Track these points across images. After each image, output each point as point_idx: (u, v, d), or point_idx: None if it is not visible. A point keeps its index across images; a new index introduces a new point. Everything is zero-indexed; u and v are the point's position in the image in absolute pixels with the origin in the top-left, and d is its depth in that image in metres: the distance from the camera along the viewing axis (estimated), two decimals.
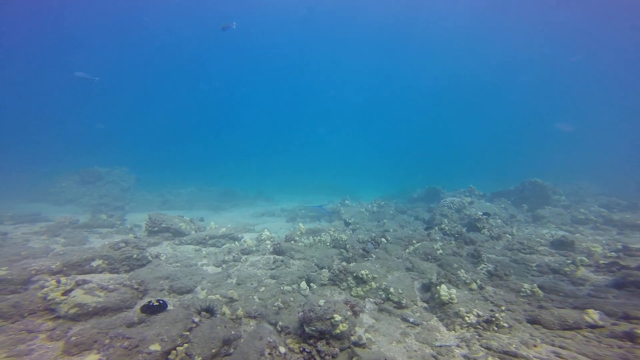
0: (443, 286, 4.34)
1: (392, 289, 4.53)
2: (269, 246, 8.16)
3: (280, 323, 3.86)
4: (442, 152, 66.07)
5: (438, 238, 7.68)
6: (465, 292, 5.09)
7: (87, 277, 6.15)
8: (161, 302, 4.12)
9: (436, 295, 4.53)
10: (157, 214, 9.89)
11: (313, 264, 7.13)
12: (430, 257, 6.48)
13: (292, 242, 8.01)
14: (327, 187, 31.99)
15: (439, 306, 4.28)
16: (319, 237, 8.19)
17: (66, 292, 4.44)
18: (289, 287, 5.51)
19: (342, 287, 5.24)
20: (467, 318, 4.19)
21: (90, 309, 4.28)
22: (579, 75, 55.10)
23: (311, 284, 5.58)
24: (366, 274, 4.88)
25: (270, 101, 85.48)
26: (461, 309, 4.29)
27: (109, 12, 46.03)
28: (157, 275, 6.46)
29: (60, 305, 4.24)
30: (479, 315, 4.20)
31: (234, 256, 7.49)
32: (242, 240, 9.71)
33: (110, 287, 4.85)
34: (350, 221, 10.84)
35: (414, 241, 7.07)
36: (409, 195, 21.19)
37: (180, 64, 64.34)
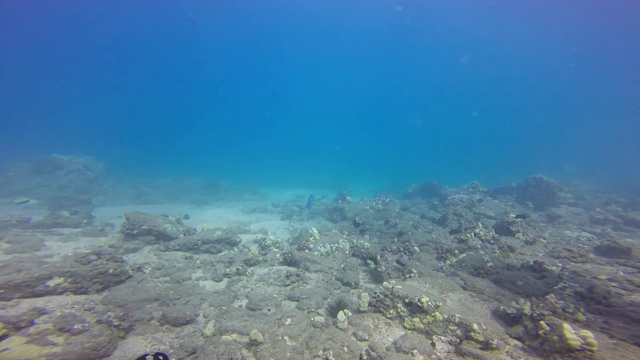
0: (566, 325, 3.23)
1: (475, 325, 3.54)
2: (277, 255, 6.93)
3: None
4: (429, 147, 67.47)
5: (479, 246, 6.86)
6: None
7: (40, 301, 4.58)
8: (160, 358, 2.82)
9: (544, 333, 3.46)
10: (136, 213, 8.21)
11: (333, 278, 6.05)
12: (481, 271, 5.57)
13: (307, 250, 6.84)
14: (316, 180, 30.83)
15: (558, 352, 3.18)
16: (336, 245, 7.09)
17: None
18: (321, 318, 4.38)
19: (389, 316, 4.21)
20: None
21: None
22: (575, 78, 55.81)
23: (345, 310, 4.51)
24: (427, 302, 3.86)
25: (252, 91, 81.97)
26: None
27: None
28: (143, 296, 5.03)
29: None
30: None
31: (237, 268, 6.18)
32: (240, 244, 8.37)
33: (75, 327, 3.43)
34: (359, 221, 9.86)
35: (456, 251, 6.18)
36: (403, 190, 20.62)
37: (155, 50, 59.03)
